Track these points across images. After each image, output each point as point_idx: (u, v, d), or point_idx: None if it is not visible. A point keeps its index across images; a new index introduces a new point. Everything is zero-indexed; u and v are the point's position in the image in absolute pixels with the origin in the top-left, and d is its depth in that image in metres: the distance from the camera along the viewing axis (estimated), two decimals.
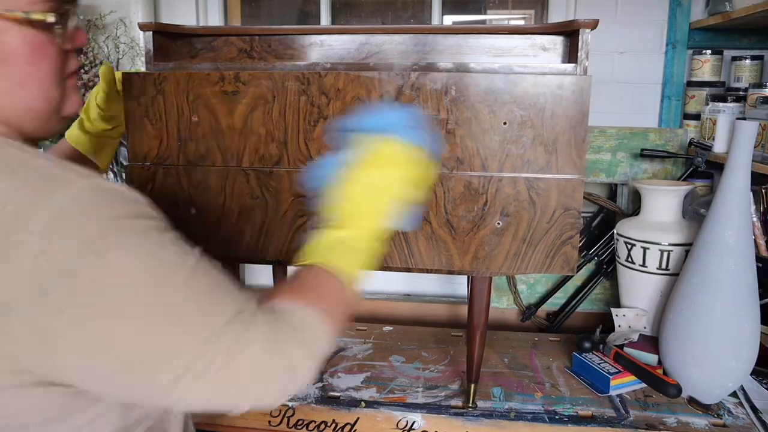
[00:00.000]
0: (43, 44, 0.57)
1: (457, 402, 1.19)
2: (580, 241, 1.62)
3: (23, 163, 0.51)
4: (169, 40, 1.08)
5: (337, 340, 0.60)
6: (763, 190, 1.31)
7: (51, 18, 0.56)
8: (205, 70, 1.01)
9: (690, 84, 1.59)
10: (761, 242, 1.27)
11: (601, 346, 1.34)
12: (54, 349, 0.48)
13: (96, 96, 0.96)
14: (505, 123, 0.95)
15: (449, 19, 1.88)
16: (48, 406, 0.53)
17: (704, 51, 1.55)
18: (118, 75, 0.99)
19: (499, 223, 0.98)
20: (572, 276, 1.61)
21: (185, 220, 1.02)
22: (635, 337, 1.33)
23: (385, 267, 1.04)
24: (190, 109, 0.98)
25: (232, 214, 1.01)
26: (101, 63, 1.62)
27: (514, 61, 1.04)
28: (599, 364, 1.26)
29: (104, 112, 0.97)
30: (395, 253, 1.00)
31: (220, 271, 0.57)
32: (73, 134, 0.98)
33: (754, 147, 1.12)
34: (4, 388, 0.50)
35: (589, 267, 1.61)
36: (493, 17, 2.05)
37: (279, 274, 1.52)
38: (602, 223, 1.62)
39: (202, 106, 0.98)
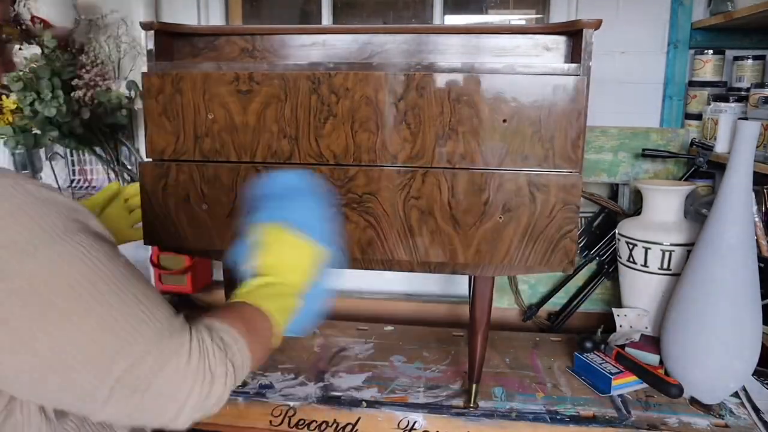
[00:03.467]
0: None
1: (458, 402, 1.19)
2: (582, 242, 1.62)
3: None
4: (170, 39, 1.09)
5: (249, 374, 0.63)
6: (765, 190, 1.31)
7: None
8: (207, 70, 1.02)
9: (692, 84, 1.59)
10: (763, 242, 1.27)
11: (603, 346, 1.34)
12: None
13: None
14: (505, 120, 0.98)
15: (450, 19, 1.88)
16: None
17: (706, 51, 1.55)
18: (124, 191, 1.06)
19: (500, 218, 1.00)
20: (573, 276, 1.61)
21: (197, 216, 1.05)
22: (637, 337, 1.33)
23: (389, 266, 1.05)
24: (206, 107, 1.02)
25: (243, 209, 1.03)
26: (101, 63, 1.61)
27: (516, 61, 1.04)
28: (601, 364, 1.26)
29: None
30: (401, 247, 1.02)
31: (146, 280, 0.58)
32: None
33: (756, 147, 1.12)
34: None
35: (591, 267, 1.61)
36: (494, 17, 2.04)
37: None
38: (604, 223, 1.62)
39: (217, 104, 1.02)
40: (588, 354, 1.31)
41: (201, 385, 0.55)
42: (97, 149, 1.71)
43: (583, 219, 1.64)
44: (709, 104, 1.51)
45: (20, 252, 0.49)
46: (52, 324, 0.49)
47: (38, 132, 1.54)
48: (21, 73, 1.41)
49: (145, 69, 1.05)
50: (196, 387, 0.55)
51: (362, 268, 1.07)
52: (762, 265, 1.17)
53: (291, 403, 1.18)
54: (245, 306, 0.68)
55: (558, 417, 1.14)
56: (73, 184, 1.82)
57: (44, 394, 0.53)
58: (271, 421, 1.18)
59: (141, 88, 1.58)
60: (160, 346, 0.53)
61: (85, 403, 0.52)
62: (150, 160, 1.07)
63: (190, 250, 1.11)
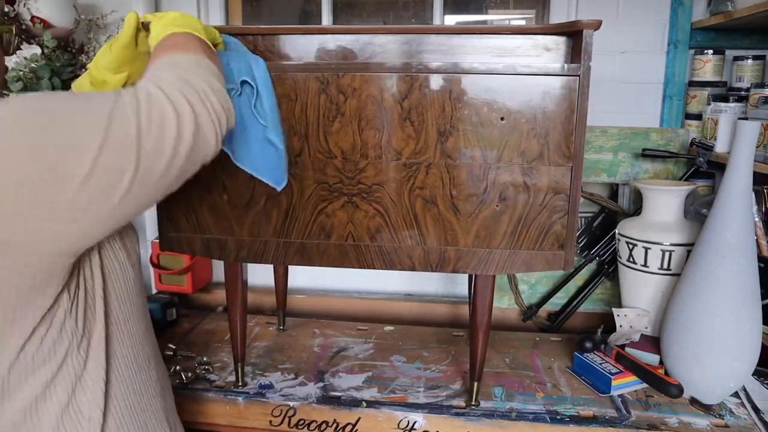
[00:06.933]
0: None
1: (458, 402, 1.19)
2: (582, 241, 1.62)
3: None
4: None
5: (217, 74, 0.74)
6: (765, 190, 1.31)
7: None
8: None
9: (692, 84, 1.59)
10: (763, 242, 1.27)
11: (603, 346, 1.34)
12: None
13: (112, 44, 0.99)
14: (502, 119, 1.01)
15: (450, 19, 1.88)
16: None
17: (706, 51, 1.55)
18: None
19: (497, 206, 1.05)
20: (573, 276, 1.61)
21: (217, 205, 1.10)
22: (637, 337, 1.33)
23: (391, 265, 1.08)
24: None
25: (261, 199, 1.10)
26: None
27: (517, 61, 1.05)
28: (601, 364, 1.26)
29: (117, 60, 0.99)
30: (407, 235, 1.08)
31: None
32: (83, 85, 0.99)
33: (756, 147, 1.12)
34: None
35: (591, 267, 1.61)
36: (494, 17, 2.04)
37: (279, 273, 1.52)
38: (603, 223, 1.62)
39: None
40: (588, 354, 1.31)
41: (181, 106, 0.64)
42: None
43: (583, 219, 1.65)
44: (709, 104, 1.51)
45: None
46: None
47: None
48: (21, 73, 1.41)
49: None
50: (181, 107, 0.64)
51: (363, 267, 1.09)
52: (762, 265, 1.17)
53: (291, 403, 1.18)
54: (167, 38, 0.79)
55: (558, 417, 1.14)
56: None
57: (62, 215, 0.58)
58: (271, 421, 1.18)
59: None
60: (118, 104, 0.61)
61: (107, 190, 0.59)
62: None
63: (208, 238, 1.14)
